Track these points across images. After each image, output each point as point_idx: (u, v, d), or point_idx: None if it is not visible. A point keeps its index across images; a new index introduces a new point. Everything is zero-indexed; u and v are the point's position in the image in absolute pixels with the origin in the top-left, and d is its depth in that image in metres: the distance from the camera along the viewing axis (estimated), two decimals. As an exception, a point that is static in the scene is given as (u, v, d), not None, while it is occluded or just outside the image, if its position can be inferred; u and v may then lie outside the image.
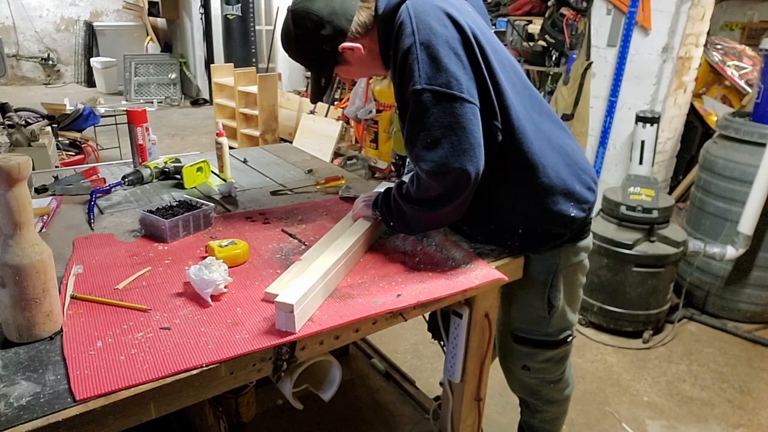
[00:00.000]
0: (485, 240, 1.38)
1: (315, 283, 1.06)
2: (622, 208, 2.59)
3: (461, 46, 1.11)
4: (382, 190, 1.39)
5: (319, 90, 1.36)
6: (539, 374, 1.53)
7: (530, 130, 1.23)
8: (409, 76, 1.12)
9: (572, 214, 1.29)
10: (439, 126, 1.11)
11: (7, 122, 3.58)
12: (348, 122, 5.15)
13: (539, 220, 1.30)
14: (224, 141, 1.79)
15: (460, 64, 1.11)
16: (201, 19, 8.01)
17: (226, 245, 1.23)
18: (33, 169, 1.42)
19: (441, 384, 1.57)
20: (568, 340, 1.49)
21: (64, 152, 4.22)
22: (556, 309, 1.40)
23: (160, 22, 9.18)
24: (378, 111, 4.87)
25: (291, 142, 5.07)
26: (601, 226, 2.66)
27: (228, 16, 6.86)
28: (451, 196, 1.20)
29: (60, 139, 4.32)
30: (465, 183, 1.16)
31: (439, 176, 1.15)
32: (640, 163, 2.78)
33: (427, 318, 1.47)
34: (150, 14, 9.04)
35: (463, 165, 1.13)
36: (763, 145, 2.50)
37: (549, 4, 3.91)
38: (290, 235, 1.40)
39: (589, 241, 1.42)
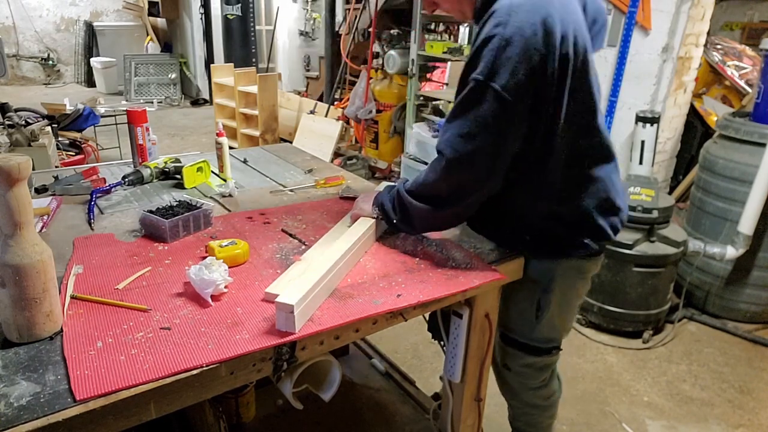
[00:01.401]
0: (492, 238, 1.39)
1: (315, 283, 1.06)
2: (622, 208, 2.59)
3: (540, 58, 1.09)
4: (383, 189, 1.39)
5: None
6: (519, 377, 1.53)
7: (568, 157, 1.23)
8: (478, 62, 1.11)
9: (584, 241, 1.31)
10: (481, 124, 1.12)
11: (7, 122, 3.57)
12: (348, 122, 5.15)
13: (545, 237, 1.32)
14: (224, 141, 1.79)
15: (529, 73, 1.09)
16: (201, 19, 8.01)
17: (226, 245, 1.23)
18: (33, 169, 1.42)
19: (441, 378, 1.57)
20: (552, 351, 1.48)
21: (64, 152, 4.22)
22: (544, 314, 1.39)
23: (160, 22, 9.18)
24: (378, 111, 4.87)
25: (291, 142, 5.07)
26: (601, 226, 2.66)
27: (228, 16, 6.85)
28: (458, 196, 1.21)
29: (60, 139, 4.32)
30: (474, 187, 1.18)
31: (455, 169, 1.16)
32: (640, 163, 2.78)
33: (427, 318, 1.47)
34: (150, 14, 9.04)
35: (482, 170, 1.15)
36: (763, 145, 2.50)
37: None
38: (290, 235, 1.40)
39: (595, 265, 1.40)
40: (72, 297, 1.07)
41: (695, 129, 3.78)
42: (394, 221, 1.32)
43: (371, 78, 4.92)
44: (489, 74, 1.09)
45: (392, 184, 1.40)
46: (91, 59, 8.99)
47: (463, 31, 4.83)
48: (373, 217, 1.36)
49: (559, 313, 1.41)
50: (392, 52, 4.64)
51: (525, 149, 1.19)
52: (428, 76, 4.88)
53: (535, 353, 1.47)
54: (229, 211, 1.57)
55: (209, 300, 1.07)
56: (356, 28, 5.70)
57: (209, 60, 7.97)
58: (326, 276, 1.10)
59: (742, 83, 3.82)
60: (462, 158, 1.15)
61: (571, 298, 1.42)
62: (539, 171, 1.24)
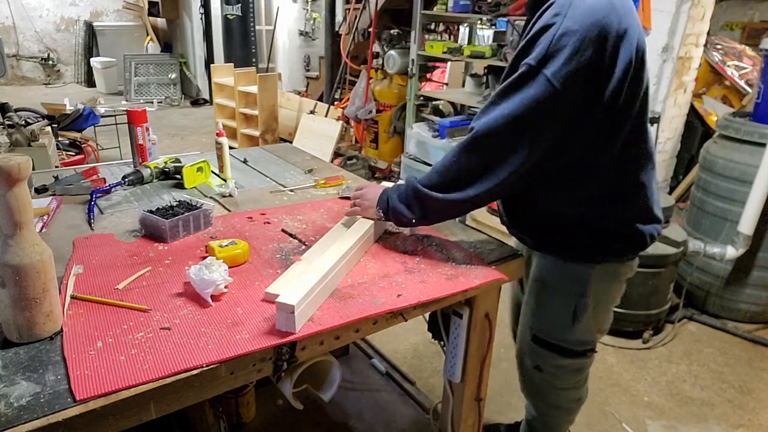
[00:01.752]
0: (525, 233, 1.39)
1: (316, 283, 1.06)
2: (622, 208, 2.58)
3: (595, 53, 1.08)
4: (379, 191, 1.36)
5: None
6: (550, 378, 1.51)
7: (616, 160, 1.21)
8: (532, 48, 1.11)
9: (622, 248, 1.31)
10: (526, 107, 1.11)
11: (7, 122, 3.57)
12: (348, 122, 5.15)
13: (584, 241, 1.31)
14: (224, 141, 1.78)
15: (581, 65, 1.08)
16: (201, 19, 8.01)
17: (226, 245, 1.23)
18: (33, 169, 1.42)
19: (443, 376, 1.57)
20: (587, 354, 1.47)
21: (64, 152, 4.22)
22: (580, 319, 1.37)
23: (160, 22, 9.17)
24: (378, 111, 4.87)
25: (291, 142, 5.07)
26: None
27: (228, 16, 6.85)
28: (488, 173, 1.18)
29: (60, 139, 4.32)
30: (504, 163, 1.15)
31: (483, 142, 1.15)
32: (640, 163, 2.77)
33: (427, 318, 1.47)
34: (150, 14, 9.03)
35: (515, 146, 1.13)
36: (763, 145, 2.50)
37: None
38: (290, 235, 1.40)
39: (631, 268, 1.39)
40: (72, 297, 1.07)
41: (695, 129, 3.78)
42: (413, 221, 1.28)
43: (371, 78, 4.92)
44: (542, 61, 1.08)
45: (390, 184, 1.40)
46: (91, 59, 8.99)
47: (463, 30, 4.83)
48: (378, 219, 1.34)
49: (595, 316, 1.39)
50: (392, 52, 4.64)
51: (574, 149, 1.18)
52: (428, 76, 4.88)
53: (570, 355, 1.45)
54: (229, 211, 1.57)
55: (209, 300, 1.06)
56: (356, 28, 5.70)
57: (209, 60, 7.98)
58: (327, 276, 1.10)
59: (742, 83, 3.82)
60: (494, 132, 1.14)
61: (606, 301, 1.40)
62: (586, 173, 1.22)
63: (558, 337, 1.43)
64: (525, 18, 1.33)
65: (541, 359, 1.49)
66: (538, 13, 1.16)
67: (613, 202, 1.26)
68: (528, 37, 1.14)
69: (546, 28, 1.10)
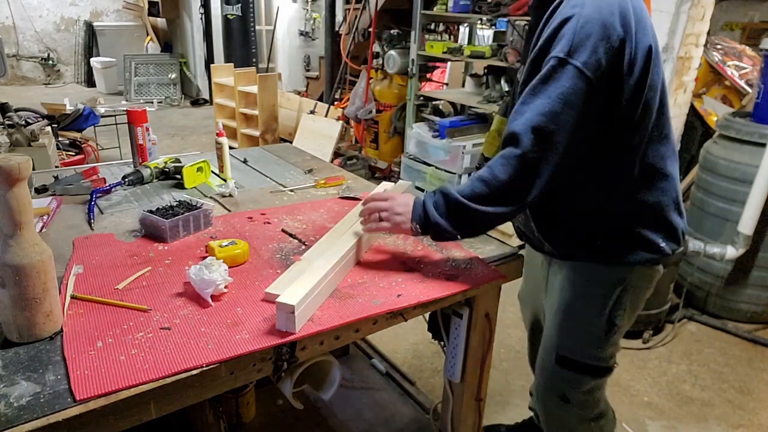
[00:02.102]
0: (557, 241, 1.30)
1: (316, 283, 1.06)
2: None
3: (618, 39, 1.07)
4: (409, 201, 1.23)
5: None
6: (579, 409, 1.41)
7: (645, 150, 1.20)
8: (555, 41, 1.09)
9: (660, 243, 1.25)
10: (564, 101, 1.08)
11: (7, 122, 3.57)
12: (348, 122, 5.15)
13: (620, 239, 1.24)
14: (224, 141, 1.79)
15: (608, 52, 1.07)
16: (201, 19, 8.00)
17: (226, 245, 1.23)
18: (33, 169, 1.42)
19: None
20: (614, 368, 1.38)
21: (64, 152, 4.22)
22: (616, 330, 1.28)
23: (160, 22, 9.17)
24: (378, 111, 4.87)
25: (291, 142, 5.07)
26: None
27: (228, 16, 6.85)
28: (532, 183, 1.13)
29: (60, 139, 4.32)
30: (548, 168, 1.11)
31: (535, 152, 1.10)
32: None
33: (427, 318, 1.47)
34: (150, 14, 9.03)
35: (559, 148, 1.10)
36: (764, 145, 2.50)
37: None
38: (290, 235, 1.40)
39: (660, 269, 1.31)
40: (72, 297, 1.07)
41: (695, 129, 3.77)
42: (458, 236, 1.21)
43: (371, 78, 4.92)
44: (569, 52, 1.06)
45: (390, 185, 1.37)
46: (91, 59, 8.99)
47: (463, 30, 4.84)
48: (414, 235, 1.23)
49: (628, 322, 1.31)
50: (392, 52, 4.64)
51: (603, 140, 1.16)
52: (428, 76, 4.87)
53: (600, 373, 1.35)
54: (229, 211, 1.57)
55: (209, 300, 1.07)
56: (356, 28, 5.70)
57: (209, 60, 7.97)
58: (327, 276, 1.10)
59: (742, 83, 3.82)
60: (536, 131, 1.09)
61: (637, 308, 1.32)
62: (616, 165, 1.19)
63: (590, 355, 1.32)
64: (526, 19, 1.31)
65: (569, 386, 1.37)
66: (549, 12, 1.14)
67: (647, 194, 1.22)
68: (548, 33, 1.11)
69: (567, 20, 1.08)
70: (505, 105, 1.42)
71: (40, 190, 1.64)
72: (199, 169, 1.77)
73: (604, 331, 1.29)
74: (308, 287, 1.04)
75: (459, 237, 1.22)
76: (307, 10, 8.12)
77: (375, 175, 4.84)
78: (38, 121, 3.93)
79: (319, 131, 5.13)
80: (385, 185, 1.67)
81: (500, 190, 1.13)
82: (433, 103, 4.64)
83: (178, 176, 1.76)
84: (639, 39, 1.10)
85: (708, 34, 3.31)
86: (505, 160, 1.12)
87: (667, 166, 1.23)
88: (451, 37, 5.04)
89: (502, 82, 3.96)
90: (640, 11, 1.12)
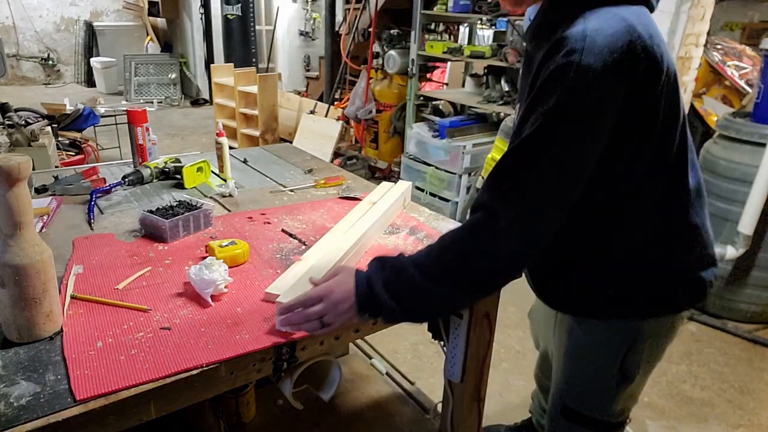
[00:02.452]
0: (561, 299, 1.12)
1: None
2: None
3: (622, 89, 0.89)
4: (349, 283, 0.97)
5: None
6: None
7: (662, 194, 1.02)
8: (545, 94, 0.90)
9: (679, 298, 1.09)
10: (554, 170, 0.90)
11: (7, 122, 3.57)
12: (348, 122, 5.15)
13: (633, 292, 1.06)
14: (224, 141, 1.78)
15: (608, 105, 0.89)
16: (201, 19, 8.01)
17: (226, 245, 1.23)
18: (33, 169, 1.42)
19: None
20: (625, 424, 1.23)
21: (64, 152, 4.22)
22: (630, 383, 1.13)
23: (160, 22, 9.17)
24: (378, 111, 4.87)
25: (291, 142, 5.07)
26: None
27: (228, 16, 6.85)
28: (511, 270, 0.95)
29: (60, 139, 4.32)
30: (528, 256, 0.95)
31: (516, 233, 0.92)
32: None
33: (427, 318, 1.46)
34: (150, 14, 9.03)
35: (546, 229, 0.94)
36: (764, 145, 2.50)
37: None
38: (290, 235, 1.40)
39: (685, 318, 1.18)
40: (72, 297, 1.07)
41: (695, 129, 3.78)
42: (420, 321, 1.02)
43: (371, 78, 4.92)
44: (559, 109, 0.88)
45: (361, 274, 0.99)
46: (91, 59, 8.99)
47: (463, 31, 4.84)
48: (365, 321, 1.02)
49: (643, 376, 1.15)
50: (392, 52, 4.64)
51: (611, 185, 0.98)
52: (428, 76, 4.88)
53: (608, 429, 1.21)
54: (229, 211, 1.57)
55: (209, 300, 1.06)
56: (356, 28, 5.70)
57: (209, 60, 7.98)
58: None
59: (742, 83, 3.82)
60: (529, 217, 0.91)
61: (656, 358, 1.16)
62: (630, 210, 1.02)
63: (599, 408, 1.17)
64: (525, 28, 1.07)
65: None
66: (546, 49, 0.93)
67: (665, 242, 1.05)
68: (540, 81, 0.92)
69: (559, 69, 0.88)
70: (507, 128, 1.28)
71: (40, 190, 1.64)
72: (199, 169, 1.77)
73: (616, 382, 1.12)
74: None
75: (420, 322, 1.04)
76: (307, 10, 8.13)
77: (375, 175, 4.84)
78: (38, 121, 3.93)
79: (319, 131, 5.13)
80: (385, 185, 1.67)
81: (475, 270, 0.94)
82: (433, 103, 4.64)
83: (178, 176, 1.76)
84: (652, 77, 0.92)
85: (708, 34, 3.31)
86: (477, 240, 0.94)
87: (691, 213, 1.06)
88: (451, 37, 5.04)
89: (502, 82, 3.96)
90: (654, 43, 0.92)
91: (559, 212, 0.94)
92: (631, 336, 1.09)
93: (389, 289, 0.94)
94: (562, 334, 1.19)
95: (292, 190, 1.75)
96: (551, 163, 0.90)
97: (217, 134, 1.79)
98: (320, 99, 6.16)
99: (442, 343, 1.45)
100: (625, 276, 1.04)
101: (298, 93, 7.19)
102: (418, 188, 4.06)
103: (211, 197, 1.67)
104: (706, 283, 1.10)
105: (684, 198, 1.05)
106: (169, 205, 1.43)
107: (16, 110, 3.94)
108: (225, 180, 1.78)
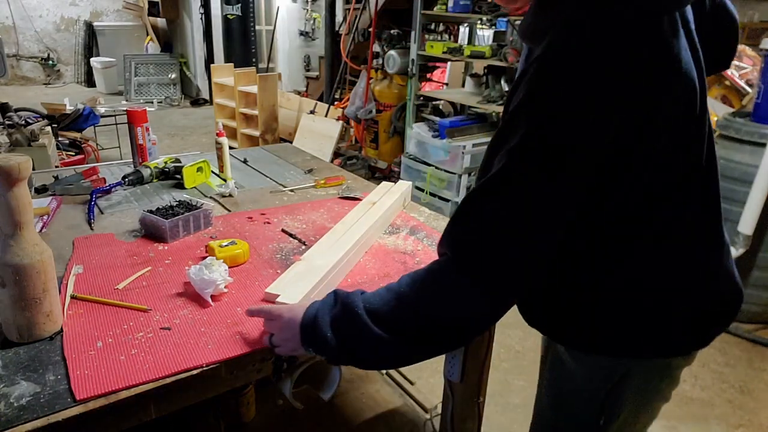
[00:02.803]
0: (540, 323, 0.98)
1: (316, 283, 1.06)
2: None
3: (612, 117, 0.72)
4: (297, 315, 0.89)
5: None
6: None
7: (659, 232, 0.85)
8: (516, 125, 0.75)
9: (672, 340, 0.92)
10: (521, 216, 0.76)
11: (7, 122, 3.57)
12: (348, 122, 5.15)
13: (620, 328, 0.90)
14: (224, 141, 1.79)
15: (595, 136, 0.73)
16: (201, 19, 8.01)
17: (226, 245, 1.23)
18: (33, 169, 1.42)
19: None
20: None
21: (64, 152, 4.22)
22: (612, 424, 0.97)
23: (160, 22, 9.17)
24: (378, 111, 4.87)
25: (291, 142, 5.07)
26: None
27: (228, 16, 6.86)
28: (476, 328, 0.83)
29: (60, 139, 4.32)
30: (496, 313, 0.81)
31: (481, 287, 0.78)
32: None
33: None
34: (150, 14, 9.03)
35: (516, 288, 0.80)
36: (764, 145, 2.50)
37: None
38: (290, 235, 1.40)
39: (692, 358, 0.99)
40: (72, 297, 1.07)
41: (695, 129, 3.77)
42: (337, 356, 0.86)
43: (371, 78, 4.92)
44: (534, 142, 0.73)
45: (313, 311, 0.89)
46: (91, 59, 8.99)
47: (463, 31, 4.84)
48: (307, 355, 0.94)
49: (635, 419, 0.98)
50: (392, 52, 4.65)
51: (603, 217, 0.83)
52: (428, 76, 4.88)
53: None
54: (229, 211, 1.57)
55: (209, 300, 1.07)
56: (356, 28, 5.70)
57: (209, 60, 7.98)
58: (327, 276, 1.10)
59: (742, 83, 3.82)
60: (496, 277, 0.78)
61: (651, 400, 0.98)
62: (620, 247, 0.85)
63: None
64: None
65: None
66: (529, 59, 0.82)
67: (660, 280, 0.88)
68: (513, 106, 0.77)
69: (533, 95, 0.74)
70: None
71: (40, 190, 1.64)
72: (199, 169, 1.77)
73: (596, 425, 0.97)
74: (309, 287, 1.04)
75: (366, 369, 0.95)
76: (307, 10, 8.13)
77: (375, 175, 4.84)
78: (38, 121, 3.93)
79: (319, 131, 5.14)
80: (385, 185, 1.67)
81: (430, 322, 0.81)
82: (433, 103, 4.64)
83: (178, 176, 1.76)
84: (650, 100, 0.74)
85: (708, 34, 3.31)
86: (440, 291, 0.81)
87: (696, 252, 0.90)
88: (451, 37, 5.04)
89: (502, 82, 3.96)
90: (656, 63, 0.74)
91: (538, 268, 0.80)
92: (614, 376, 0.92)
93: (335, 327, 0.84)
94: (547, 372, 1.06)
95: (292, 190, 1.75)
96: (518, 207, 0.76)
97: (217, 134, 1.79)
98: (320, 99, 6.16)
99: (442, 343, 1.45)
100: (612, 310, 0.89)
101: (298, 93, 7.20)
102: (418, 188, 4.06)
103: (211, 197, 1.67)
104: (711, 321, 0.95)
105: (684, 233, 0.87)
106: (169, 205, 1.43)
107: (16, 110, 3.94)
108: (225, 180, 1.78)
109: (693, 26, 0.82)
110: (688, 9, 0.83)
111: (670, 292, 0.89)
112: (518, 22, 3.61)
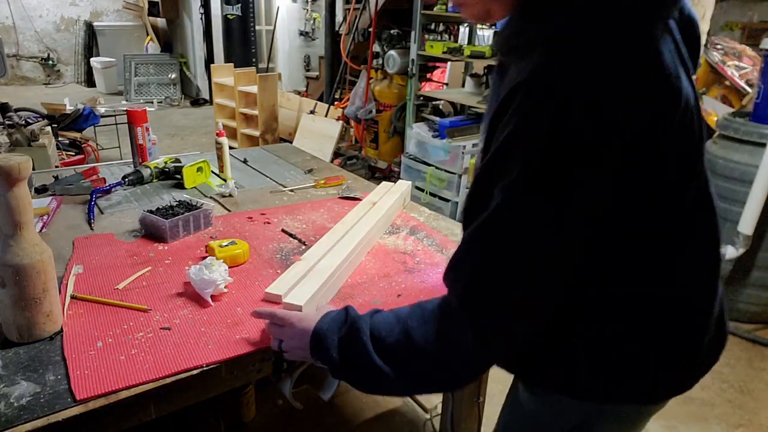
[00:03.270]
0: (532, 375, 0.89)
1: (322, 284, 1.06)
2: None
3: (609, 140, 0.65)
4: (309, 325, 0.87)
5: None
6: None
7: (641, 272, 0.78)
8: (508, 160, 0.68)
9: (649, 387, 0.84)
10: (525, 261, 0.70)
11: (7, 122, 3.57)
12: (348, 122, 5.15)
13: (588, 371, 0.82)
14: (224, 141, 1.79)
15: (589, 162, 0.66)
16: (201, 19, 8.01)
17: (226, 245, 1.23)
18: (33, 169, 1.42)
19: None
20: None
21: (64, 152, 4.22)
22: None
23: (160, 22, 9.17)
24: (378, 111, 4.87)
25: (291, 142, 5.07)
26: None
27: (228, 16, 6.86)
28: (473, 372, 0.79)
29: (60, 139, 4.32)
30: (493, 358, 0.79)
31: (485, 341, 0.74)
32: (640, 163, 2.78)
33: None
34: (150, 14, 9.03)
35: (517, 334, 0.76)
36: (763, 145, 2.50)
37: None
38: (290, 235, 1.40)
39: (663, 403, 0.89)
40: (72, 297, 1.07)
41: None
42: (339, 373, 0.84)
43: (371, 78, 4.92)
44: (527, 176, 0.67)
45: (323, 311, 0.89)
46: (91, 59, 8.99)
47: (463, 31, 4.83)
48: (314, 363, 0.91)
49: None
50: (392, 52, 4.64)
51: (597, 246, 0.74)
52: (428, 76, 4.88)
53: None
54: (229, 211, 1.57)
55: (209, 300, 1.07)
56: (356, 28, 5.70)
57: (209, 60, 7.98)
58: (332, 277, 1.11)
59: (742, 83, 3.82)
60: (497, 333, 0.74)
61: None
62: (597, 284, 0.77)
63: None
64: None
65: None
66: (516, 66, 0.73)
67: (640, 322, 0.80)
68: (499, 139, 0.69)
69: (522, 127, 0.67)
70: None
71: (40, 190, 1.64)
72: (199, 169, 1.77)
73: None
74: (315, 288, 1.04)
75: (365, 392, 0.90)
76: (307, 10, 8.13)
77: (375, 175, 4.84)
78: (38, 121, 3.93)
79: (319, 131, 5.13)
80: (385, 185, 1.67)
81: (425, 367, 0.78)
82: (433, 103, 4.64)
83: (178, 176, 1.76)
84: (648, 119, 0.67)
85: (708, 34, 3.31)
86: (445, 342, 0.77)
87: (689, 288, 0.82)
88: (451, 37, 5.03)
89: (502, 82, 3.96)
90: (652, 79, 0.68)
91: (544, 311, 0.75)
92: (574, 420, 0.87)
93: (341, 349, 0.82)
94: (511, 402, 1.03)
95: (292, 190, 1.75)
96: (518, 252, 0.70)
97: (217, 134, 1.79)
98: (320, 99, 6.16)
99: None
100: (582, 353, 0.81)
101: (298, 93, 7.19)
102: (418, 188, 4.06)
103: (211, 197, 1.67)
104: (690, 365, 0.88)
105: (680, 269, 0.80)
106: (169, 205, 1.43)
107: (16, 110, 3.94)
108: (225, 180, 1.78)
109: (676, 32, 0.77)
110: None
111: (657, 334, 0.81)
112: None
